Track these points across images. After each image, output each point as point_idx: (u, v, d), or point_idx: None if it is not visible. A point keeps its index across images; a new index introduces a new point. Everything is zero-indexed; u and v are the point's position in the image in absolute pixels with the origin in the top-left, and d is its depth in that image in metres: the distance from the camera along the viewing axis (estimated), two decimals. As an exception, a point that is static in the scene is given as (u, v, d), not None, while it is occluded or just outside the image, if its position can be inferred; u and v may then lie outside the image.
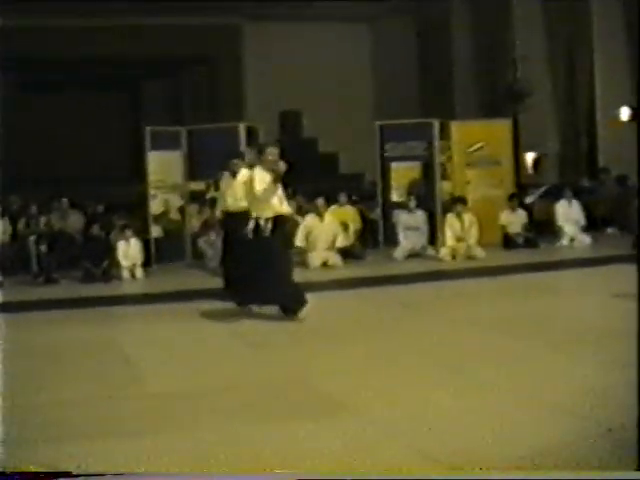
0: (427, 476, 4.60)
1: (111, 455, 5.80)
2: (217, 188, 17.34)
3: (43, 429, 6.44)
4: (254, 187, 10.71)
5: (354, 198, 19.09)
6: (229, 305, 11.88)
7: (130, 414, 6.85)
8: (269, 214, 10.58)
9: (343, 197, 17.92)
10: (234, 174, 12.78)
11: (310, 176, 19.96)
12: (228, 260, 12.74)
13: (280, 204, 10.77)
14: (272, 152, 10.92)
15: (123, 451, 5.87)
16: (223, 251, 13.24)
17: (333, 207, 17.27)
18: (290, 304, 10.57)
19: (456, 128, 18.79)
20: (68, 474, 4.43)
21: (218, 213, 13.46)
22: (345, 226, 16.96)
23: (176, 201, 17.80)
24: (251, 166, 12.17)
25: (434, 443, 5.80)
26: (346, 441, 5.92)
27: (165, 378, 8.07)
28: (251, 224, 10.81)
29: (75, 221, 18.09)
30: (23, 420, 6.70)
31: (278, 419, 6.54)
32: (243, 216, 11.80)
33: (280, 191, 10.78)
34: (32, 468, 4.50)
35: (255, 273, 10.61)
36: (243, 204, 11.91)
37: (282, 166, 10.45)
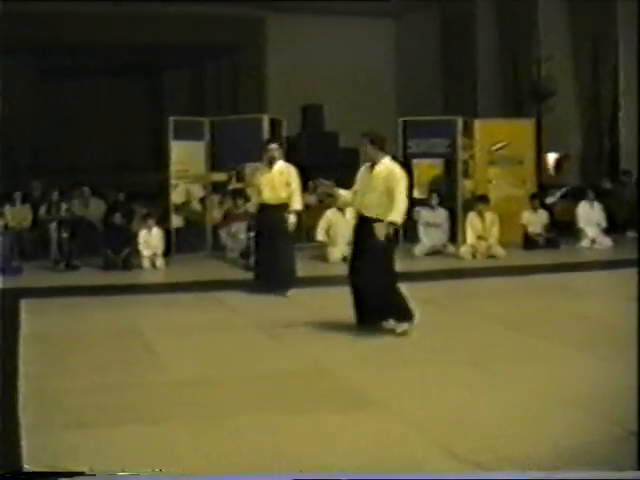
0: (428, 475, 4.58)
1: (135, 442, 5.84)
2: (239, 179, 17.43)
3: (65, 415, 6.48)
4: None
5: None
6: (250, 296, 11.95)
7: (154, 401, 6.89)
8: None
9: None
10: (270, 163, 12.32)
11: (330, 170, 19.90)
12: (262, 252, 12.40)
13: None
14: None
15: (147, 438, 5.91)
16: (257, 243, 12.74)
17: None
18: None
19: (479, 126, 18.76)
20: (68, 474, 4.43)
21: (252, 205, 12.86)
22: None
23: (198, 191, 17.80)
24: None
25: (459, 440, 5.81)
26: (370, 435, 5.95)
27: (188, 366, 8.10)
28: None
29: (96, 209, 18.15)
30: (44, 405, 6.74)
31: (303, 410, 6.56)
32: (281, 209, 12.05)
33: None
34: (28, 468, 4.50)
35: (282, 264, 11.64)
36: (283, 196, 12.04)
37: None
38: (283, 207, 12.13)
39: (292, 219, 12.04)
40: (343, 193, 9.54)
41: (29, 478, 4.53)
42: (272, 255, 12.07)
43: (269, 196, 12.15)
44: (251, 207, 12.84)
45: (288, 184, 12.12)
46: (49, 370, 7.95)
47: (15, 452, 5.00)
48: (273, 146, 12.37)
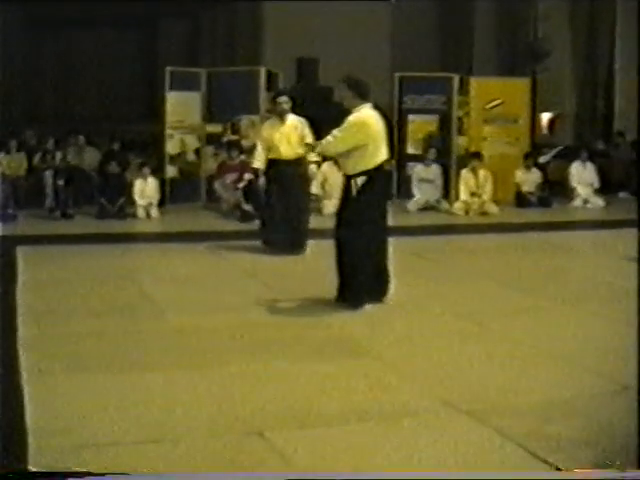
0: (427, 476, 4.67)
1: (136, 388, 5.93)
2: (235, 131, 17.44)
3: (63, 360, 6.54)
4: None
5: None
6: (244, 245, 12.01)
7: (153, 348, 6.97)
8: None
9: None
10: (281, 117, 11.75)
11: (324, 125, 19.84)
12: (277, 209, 11.76)
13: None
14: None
15: (147, 384, 6.00)
16: (268, 200, 12.00)
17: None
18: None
19: (475, 84, 18.73)
20: (66, 474, 4.50)
21: (258, 161, 11.95)
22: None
23: (193, 142, 17.79)
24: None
25: (452, 389, 5.91)
26: (366, 383, 6.04)
27: (185, 313, 8.18)
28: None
29: (91, 157, 18.12)
30: (44, 350, 6.80)
31: (299, 359, 6.66)
32: (297, 163, 11.66)
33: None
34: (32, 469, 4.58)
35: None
36: (300, 151, 11.44)
37: None
38: (299, 162, 11.63)
39: (314, 170, 12.06)
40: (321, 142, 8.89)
41: (35, 477, 4.58)
42: (289, 212, 11.63)
43: (286, 151, 11.60)
44: (257, 163, 11.98)
45: (303, 138, 11.40)
46: (46, 316, 8.01)
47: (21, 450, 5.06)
48: (283, 99, 11.76)
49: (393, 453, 4.85)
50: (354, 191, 8.32)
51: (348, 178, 8.43)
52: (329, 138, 8.49)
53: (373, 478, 4.69)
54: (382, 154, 8.47)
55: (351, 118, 8.36)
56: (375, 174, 8.36)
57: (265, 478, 4.76)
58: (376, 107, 8.63)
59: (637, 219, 11.94)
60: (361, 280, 8.38)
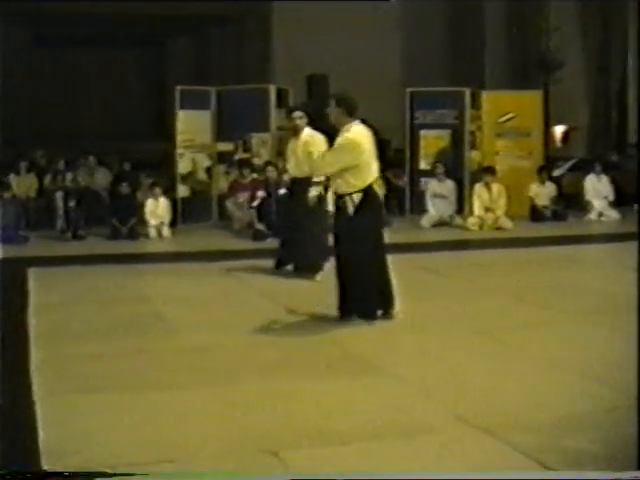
0: (428, 475, 4.59)
1: (149, 407, 5.86)
2: (246, 149, 17.40)
3: (76, 380, 6.50)
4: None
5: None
6: (256, 265, 11.94)
7: (166, 368, 6.93)
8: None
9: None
10: (296, 133, 11.27)
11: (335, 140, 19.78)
12: (289, 233, 11.47)
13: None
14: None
15: (162, 404, 5.93)
16: (285, 222, 11.83)
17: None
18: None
19: (487, 98, 18.66)
20: (85, 474, 4.44)
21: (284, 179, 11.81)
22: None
23: (204, 161, 17.75)
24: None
25: (467, 405, 5.83)
26: (379, 400, 5.98)
27: (197, 333, 8.13)
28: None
29: (102, 178, 18.11)
30: (57, 371, 6.75)
31: (313, 377, 6.59)
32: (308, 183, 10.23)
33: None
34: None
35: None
36: (306, 169, 10.55)
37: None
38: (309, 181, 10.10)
39: (313, 193, 9.49)
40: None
41: (41, 477, 4.53)
42: (299, 236, 11.08)
43: (294, 169, 11.21)
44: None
45: (310, 154, 10.60)
46: (59, 337, 7.96)
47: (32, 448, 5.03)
48: (297, 114, 11.23)
49: (408, 470, 4.75)
50: (351, 209, 8.30)
51: (340, 197, 8.42)
52: (318, 160, 8.48)
53: (373, 479, 4.69)
54: (374, 172, 8.46)
55: (341, 139, 8.36)
56: (369, 191, 8.36)
57: (266, 478, 4.77)
58: (363, 121, 8.58)
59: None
60: (372, 294, 8.42)
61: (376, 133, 8.94)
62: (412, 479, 4.59)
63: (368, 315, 8.40)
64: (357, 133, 8.34)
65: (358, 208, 8.28)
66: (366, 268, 8.36)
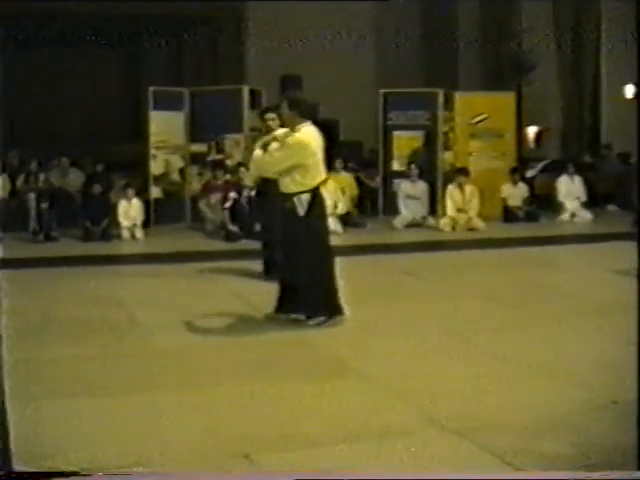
0: (428, 475, 4.59)
1: (121, 411, 5.82)
2: (219, 150, 17.36)
3: (48, 385, 6.44)
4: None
5: (351, 165, 18.94)
6: (229, 267, 11.92)
7: (138, 370, 6.87)
8: None
9: (339, 164, 17.71)
10: (269, 134, 10.66)
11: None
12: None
13: None
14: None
15: (134, 407, 5.90)
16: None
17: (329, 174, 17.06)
18: None
19: (460, 99, 18.72)
20: (60, 474, 4.40)
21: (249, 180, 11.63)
22: (341, 193, 16.86)
23: (177, 162, 17.72)
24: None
25: (440, 408, 5.82)
26: (353, 403, 5.95)
27: (171, 335, 8.10)
28: None
29: (75, 179, 18.02)
30: (27, 376, 6.68)
31: (285, 379, 6.57)
32: None
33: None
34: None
35: None
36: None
37: None
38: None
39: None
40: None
41: (21, 478, 4.48)
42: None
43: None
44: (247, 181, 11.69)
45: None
46: (31, 341, 7.90)
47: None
48: (270, 115, 10.72)
49: (380, 473, 4.76)
50: (301, 210, 8.34)
51: (286, 197, 8.45)
52: (266, 157, 8.46)
53: (374, 478, 4.68)
54: (322, 173, 8.51)
55: (290, 139, 8.38)
56: (317, 192, 8.42)
57: (266, 478, 4.79)
58: (316, 124, 8.55)
59: (625, 232, 11.92)
60: (318, 295, 8.46)
61: (330, 136, 8.94)
62: (412, 479, 4.58)
63: (313, 316, 8.43)
64: (307, 133, 8.37)
65: (307, 209, 8.34)
66: (314, 269, 8.41)
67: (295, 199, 8.36)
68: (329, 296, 8.53)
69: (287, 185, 8.46)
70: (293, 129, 8.41)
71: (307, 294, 8.47)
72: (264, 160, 8.50)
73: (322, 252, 8.52)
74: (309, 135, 8.40)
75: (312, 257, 8.43)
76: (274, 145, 8.58)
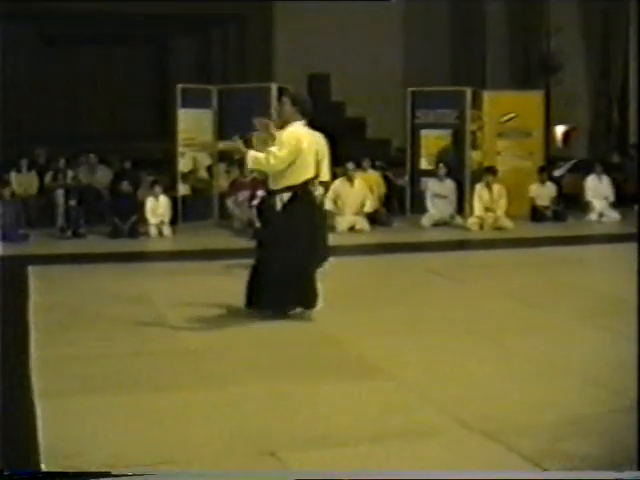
0: (428, 475, 4.58)
1: (148, 409, 5.85)
2: (247, 148, 17.33)
3: (75, 381, 6.46)
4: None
5: (378, 164, 18.91)
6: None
7: (165, 369, 6.90)
8: None
9: (366, 162, 17.73)
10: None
11: (337, 140, 19.80)
12: None
13: None
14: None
15: (159, 405, 5.92)
16: None
17: (356, 173, 17.06)
18: None
19: (488, 98, 18.69)
20: (64, 474, 4.42)
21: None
22: (370, 191, 16.86)
23: (205, 160, 17.75)
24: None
25: (466, 408, 5.81)
26: (380, 403, 5.94)
27: (198, 334, 8.11)
28: None
29: (103, 176, 18.10)
30: (55, 372, 6.73)
31: (313, 379, 6.56)
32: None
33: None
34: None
35: None
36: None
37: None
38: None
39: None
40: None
41: (38, 477, 4.51)
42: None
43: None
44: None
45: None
46: (59, 337, 7.94)
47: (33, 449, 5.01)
48: None
49: (407, 470, 4.76)
50: (279, 205, 8.44)
51: (271, 193, 8.57)
52: (269, 157, 8.41)
53: (374, 478, 4.68)
54: (308, 172, 8.50)
55: (284, 135, 8.44)
56: (301, 191, 8.44)
57: (264, 477, 4.77)
58: (312, 126, 8.62)
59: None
60: (280, 289, 8.52)
61: (332, 137, 8.91)
62: (412, 479, 4.57)
63: (279, 310, 8.55)
64: (298, 130, 8.47)
65: (286, 205, 8.41)
66: (286, 264, 8.45)
67: (277, 197, 8.46)
68: (296, 294, 8.58)
69: (272, 182, 8.58)
70: (285, 126, 8.52)
71: (274, 289, 8.53)
72: (265, 159, 8.45)
73: (296, 250, 8.49)
74: (300, 132, 8.48)
75: (283, 253, 8.46)
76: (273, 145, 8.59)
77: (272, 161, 8.35)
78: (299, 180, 8.42)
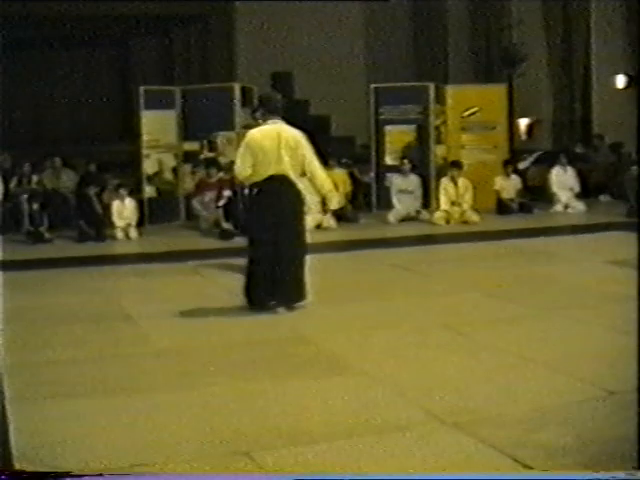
0: (427, 475, 4.60)
1: (120, 412, 5.82)
2: (212, 148, 17.33)
3: (46, 386, 6.43)
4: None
5: (344, 161, 18.89)
6: (224, 264, 11.90)
7: (137, 371, 6.87)
8: None
9: (332, 160, 17.70)
10: None
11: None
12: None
13: None
14: None
15: (132, 408, 5.90)
16: None
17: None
18: None
19: (451, 92, 18.72)
20: (64, 474, 4.39)
21: None
22: (335, 188, 16.82)
23: (170, 161, 17.68)
24: None
25: (438, 402, 5.83)
26: (351, 399, 5.95)
27: (168, 335, 8.09)
28: None
29: (68, 180, 17.97)
30: (26, 378, 6.67)
31: (283, 377, 6.57)
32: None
33: None
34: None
35: None
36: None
37: None
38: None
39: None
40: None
41: (17, 477, 4.46)
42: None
43: None
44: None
45: None
46: (28, 343, 7.89)
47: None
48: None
49: (381, 468, 4.77)
50: (249, 203, 9.00)
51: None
52: (237, 161, 8.89)
53: (373, 479, 4.67)
54: (271, 168, 8.69)
55: (246, 136, 8.94)
56: (265, 185, 8.71)
57: (266, 478, 4.79)
58: (288, 121, 8.86)
59: (618, 222, 11.93)
60: (253, 283, 8.83)
61: (309, 133, 8.98)
62: (413, 479, 4.59)
63: (254, 303, 8.83)
64: (259, 130, 8.83)
65: (253, 200, 8.83)
66: (256, 257, 8.83)
67: (249, 192, 8.91)
68: (262, 286, 8.82)
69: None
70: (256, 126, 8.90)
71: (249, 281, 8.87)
72: (236, 164, 8.81)
73: (267, 244, 8.76)
74: (260, 131, 8.79)
75: (253, 247, 8.90)
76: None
77: (236, 170, 8.89)
78: (260, 176, 8.69)
